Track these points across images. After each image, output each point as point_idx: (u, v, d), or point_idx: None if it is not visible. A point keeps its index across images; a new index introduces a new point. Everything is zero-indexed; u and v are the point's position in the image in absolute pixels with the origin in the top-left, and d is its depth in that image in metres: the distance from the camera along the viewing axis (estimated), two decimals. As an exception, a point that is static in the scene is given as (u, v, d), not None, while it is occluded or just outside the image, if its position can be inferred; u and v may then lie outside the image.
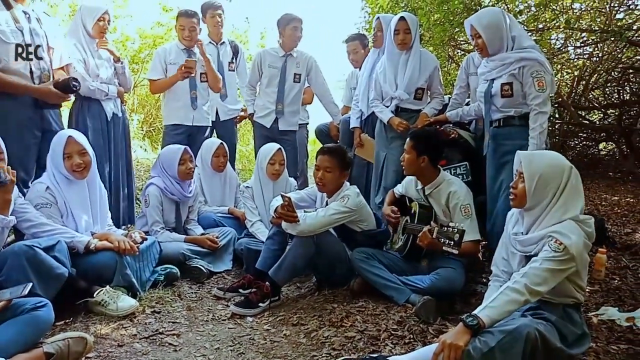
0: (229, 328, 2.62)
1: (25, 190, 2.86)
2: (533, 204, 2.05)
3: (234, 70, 4.77)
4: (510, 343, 1.77)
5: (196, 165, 3.97)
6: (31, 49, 2.99)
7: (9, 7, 2.94)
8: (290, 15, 4.40)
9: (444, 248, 2.50)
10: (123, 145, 3.88)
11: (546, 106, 2.80)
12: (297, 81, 4.51)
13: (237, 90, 4.98)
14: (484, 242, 3.30)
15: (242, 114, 4.89)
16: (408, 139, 3.00)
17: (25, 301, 2.10)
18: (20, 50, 2.94)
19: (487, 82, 2.99)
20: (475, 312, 1.86)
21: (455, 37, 5.96)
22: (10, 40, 2.91)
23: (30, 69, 3.01)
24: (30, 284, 2.13)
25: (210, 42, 4.62)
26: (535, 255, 1.97)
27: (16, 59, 2.93)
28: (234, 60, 4.76)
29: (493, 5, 4.81)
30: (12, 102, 2.98)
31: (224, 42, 4.69)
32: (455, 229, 2.45)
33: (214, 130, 4.71)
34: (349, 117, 4.42)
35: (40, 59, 3.05)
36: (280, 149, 3.71)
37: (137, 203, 4.32)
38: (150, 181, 3.56)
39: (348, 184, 3.16)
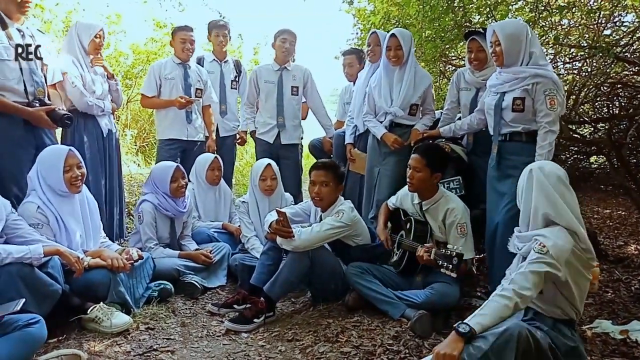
0: (223, 344, 2.60)
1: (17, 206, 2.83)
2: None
3: (236, 89, 4.82)
4: (503, 344, 1.78)
5: (190, 181, 3.98)
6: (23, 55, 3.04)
7: (4, 27, 2.98)
8: (281, 29, 4.46)
9: (441, 270, 2.50)
10: (116, 160, 3.89)
11: (555, 125, 2.80)
12: (295, 94, 4.53)
13: (238, 106, 5.01)
14: (480, 256, 3.31)
15: (242, 135, 4.89)
16: (418, 157, 2.96)
17: (18, 318, 2.09)
18: (20, 50, 3.01)
19: (497, 95, 2.98)
20: (466, 320, 1.87)
21: (447, 53, 6.03)
22: (3, 57, 2.94)
23: (25, 86, 3.03)
24: (23, 300, 2.12)
25: (214, 60, 4.70)
26: (526, 256, 2.02)
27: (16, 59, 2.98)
28: (237, 79, 4.81)
29: (483, 22, 4.87)
30: (5, 119, 2.99)
31: (227, 60, 4.76)
32: (454, 253, 2.45)
33: None
34: (343, 132, 4.44)
35: (32, 60, 3.07)
36: (270, 164, 3.69)
37: (129, 218, 4.30)
38: (143, 197, 3.54)
39: (342, 198, 3.17)
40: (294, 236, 2.87)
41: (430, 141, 3.52)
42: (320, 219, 3.11)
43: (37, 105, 3.07)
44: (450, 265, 2.45)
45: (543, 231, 2.02)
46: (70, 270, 2.59)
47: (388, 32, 3.73)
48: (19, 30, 3.05)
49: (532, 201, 2.11)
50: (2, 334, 2.03)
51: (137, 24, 8.09)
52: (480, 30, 3.44)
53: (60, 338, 2.47)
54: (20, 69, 3.02)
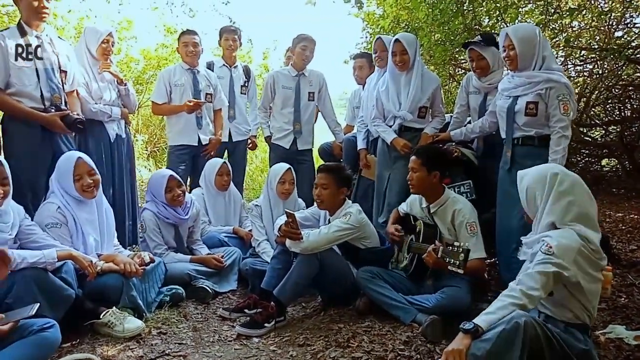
0: (235, 349, 2.61)
1: (33, 212, 2.86)
2: (531, 213, 2.20)
3: (245, 94, 4.84)
4: (510, 332, 1.79)
5: (199, 186, 4.00)
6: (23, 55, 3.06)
7: (23, 34, 3.04)
8: (302, 35, 4.49)
9: (449, 267, 2.51)
10: (127, 166, 3.90)
11: (568, 130, 2.81)
12: (311, 99, 4.57)
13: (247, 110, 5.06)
14: (490, 260, 3.29)
15: (254, 139, 4.92)
16: (414, 157, 3.01)
17: (32, 322, 2.11)
18: (19, 50, 3.03)
19: (510, 99, 2.98)
20: (472, 320, 1.88)
21: (456, 56, 6.03)
22: (20, 64, 2.98)
23: (41, 91, 3.07)
24: (38, 305, 2.14)
25: (224, 65, 4.72)
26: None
27: (16, 59, 3.01)
28: (246, 84, 4.84)
29: (493, 25, 4.87)
30: (23, 125, 3.04)
31: (236, 65, 4.78)
32: (460, 249, 2.46)
33: (226, 151, 4.74)
34: (352, 136, 4.45)
35: (31, 60, 3.09)
36: (290, 168, 3.72)
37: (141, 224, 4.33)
38: (144, 206, 3.54)
39: (350, 201, 3.18)
40: (302, 238, 2.87)
41: (441, 145, 3.52)
42: (329, 222, 3.11)
43: (53, 111, 3.11)
44: (457, 262, 2.45)
45: (550, 232, 2.05)
46: (83, 275, 2.62)
47: (394, 36, 3.73)
48: (38, 38, 3.10)
49: (540, 204, 2.15)
50: (17, 338, 2.05)
51: (148, 30, 8.20)
52: (477, 39, 3.45)
53: (73, 342, 2.49)
54: (36, 70, 3.07)
